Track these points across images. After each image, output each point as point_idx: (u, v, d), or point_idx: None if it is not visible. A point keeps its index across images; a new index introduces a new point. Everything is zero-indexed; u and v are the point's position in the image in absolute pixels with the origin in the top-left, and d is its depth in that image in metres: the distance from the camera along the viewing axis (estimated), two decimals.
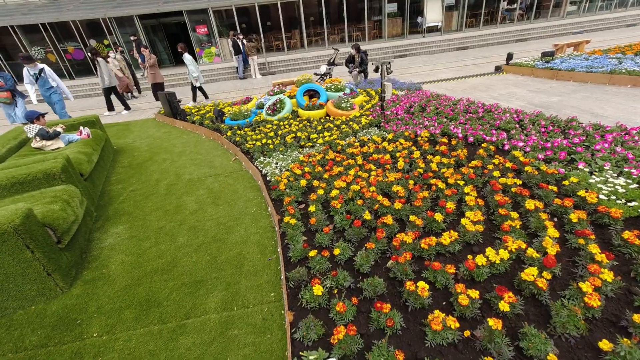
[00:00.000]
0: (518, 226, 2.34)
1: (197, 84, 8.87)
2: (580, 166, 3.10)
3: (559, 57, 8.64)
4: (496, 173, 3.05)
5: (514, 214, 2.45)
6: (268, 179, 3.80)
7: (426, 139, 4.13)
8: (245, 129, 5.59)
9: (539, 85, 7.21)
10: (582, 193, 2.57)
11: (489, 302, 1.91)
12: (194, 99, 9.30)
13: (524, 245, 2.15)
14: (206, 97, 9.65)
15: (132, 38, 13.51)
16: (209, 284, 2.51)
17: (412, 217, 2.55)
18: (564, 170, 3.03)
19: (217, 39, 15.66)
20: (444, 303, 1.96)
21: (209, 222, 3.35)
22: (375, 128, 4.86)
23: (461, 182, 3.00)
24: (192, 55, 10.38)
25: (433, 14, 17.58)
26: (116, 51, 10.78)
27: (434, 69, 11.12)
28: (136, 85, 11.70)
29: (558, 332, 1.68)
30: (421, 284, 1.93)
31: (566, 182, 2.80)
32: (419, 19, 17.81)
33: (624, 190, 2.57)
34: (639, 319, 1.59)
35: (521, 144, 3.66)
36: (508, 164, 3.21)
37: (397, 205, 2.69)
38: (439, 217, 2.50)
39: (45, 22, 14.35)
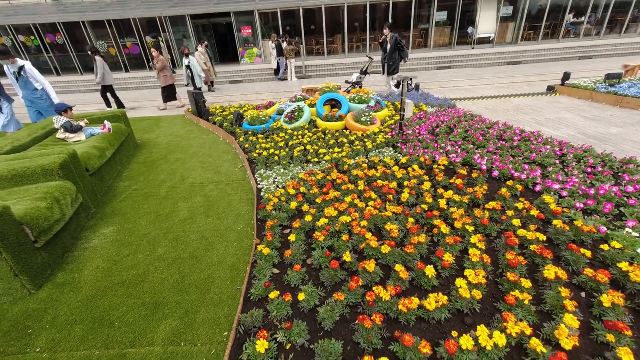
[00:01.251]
0: (527, 301, 1.85)
1: (201, 84, 9.34)
2: (629, 225, 2.46)
3: (627, 80, 7.44)
4: (516, 221, 2.54)
5: (526, 282, 1.96)
6: (262, 194, 3.59)
7: (443, 167, 3.65)
8: (259, 135, 5.47)
9: (597, 112, 6.23)
10: (624, 265, 2.00)
11: None
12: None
13: (528, 331, 1.68)
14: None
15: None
16: (167, 307, 2.34)
17: (397, 267, 2.16)
18: (606, 229, 2.42)
19: (260, 40, 16.02)
20: None
21: (193, 235, 3.21)
22: (391, 148, 4.44)
23: (470, 228, 2.53)
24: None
25: (486, 25, 16.40)
26: (202, 45, 11.38)
27: (477, 83, 10.25)
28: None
29: None
30: None
31: (605, 247, 2.22)
32: (470, 29, 16.73)
33: None
34: None
35: (557, 186, 3.06)
36: (534, 212, 2.66)
37: (385, 248, 2.32)
38: (430, 271, 2.09)
39: (111, 19, 15.70)
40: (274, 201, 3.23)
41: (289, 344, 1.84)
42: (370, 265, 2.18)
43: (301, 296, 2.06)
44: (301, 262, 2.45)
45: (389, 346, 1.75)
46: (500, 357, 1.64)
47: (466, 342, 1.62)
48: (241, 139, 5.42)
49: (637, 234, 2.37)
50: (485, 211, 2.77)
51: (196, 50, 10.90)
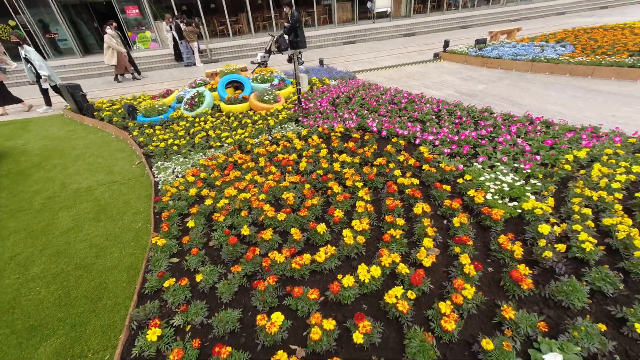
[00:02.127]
0: (399, 235, 2.15)
1: (47, 85, 7.06)
2: (480, 160, 3.02)
3: (491, 44, 8.84)
4: (397, 172, 2.88)
5: (400, 220, 2.27)
6: (159, 187, 3.34)
7: (340, 134, 3.89)
8: (157, 127, 4.99)
9: (470, 73, 7.30)
10: (472, 192, 2.46)
11: (349, 331, 1.70)
12: (48, 103, 7.53)
13: (398, 259, 1.97)
14: (49, 103, 7.52)
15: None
16: (48, 328, 2.07)
17: (292, 230, 2.27)
18: (463, 166, 2.93)
19: (152, 22, 14.25)
20: (305, 334, 1.72)
21: (81, 244, 2.85)
22: (294, 123, 4.53)
23: (360, 184, 2.78)
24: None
25: (382, 0, 17.40)
26: (110, 27, 9.29)
27: (378, 56, 10.96)
28: (133, 66, 10.50)
29: None
30: (275, 316, 1.66)
31: (460, 180, 2.69)
32: (369, 4, 17.56)
33: (510, 188, 2.49)
34: (487, 344, 1.45)
35: (431, 137, 3.54)
36: (411, 161, 3.05)
37: (281, 216, 2.41)
38: (321, 228, 2.25)
39: None
40: (171, 192, 3.04)
41: (189, 325, 1.82)
42: (267, 234, 2.25)
43: (199, 277, 2.02)
44: (201, 246, 2.40)
45: (283, 302, 1.87)
46: (378, 287, 1.90)
47: (347, 280, 1.82)
48: (135, 132, 4.88)
49: (481, 167, 2.92)
50: (374, 167, 3.07)
51: (105, 33, 9.05)
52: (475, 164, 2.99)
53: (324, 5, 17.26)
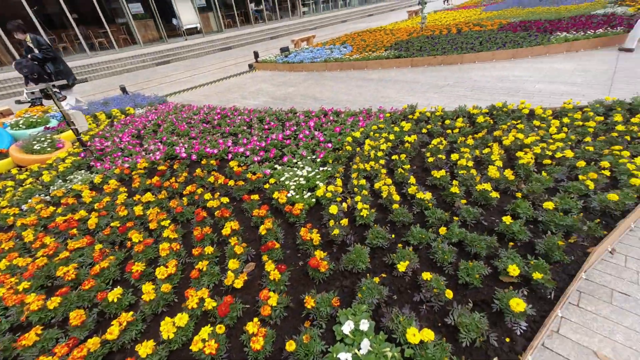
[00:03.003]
0: (205, 268, 2.00)
1: None
2: (285, 160, 3.23)
3: (295, 51, 9.95)
4: (207, 195, 2.71)
5: (208, 249, 2.12)
6: None
7: (144, 170, 3.39)
8: None
9: (281, 79, 7.96)
10: (275, 195, 2.57)
11: None
12: None
13: (206, 294, 1.81)
14: None
15: None
16: None
17: (72, 315, 1.75)
18: (270, 171, 3.05)
19: None
20: None
21: None
22: (84, 171, 3.66)
23: (166, 222, 2.46)
24: None
25: (187, 15, 16.77)
26: None
27: (196, 73, 10.51)
28: None
29: None
30: None
31: (267, 186, 2.79)
32: (175, 21, 16.61)
33: (306, 180, 2.76)
34: (289, 346, 1.49)
35: (242, 149, 3.56)
36: (221, 179, 2.96)
37: (53, 301, 1.82)
38: (114, 294, 1.83)
39: None
40: None
41: None
42: (31, 336, 1.65)
43: None
44: None
45: None
46: (188, 335, 1.68)
47: (145, 349, 1.53)
48: None
49: (282, 167, 3.12)
50: (184, 198, 2.81)
51: None
52: (277, 167, 3.17)
53: (119, 24, 15.15)
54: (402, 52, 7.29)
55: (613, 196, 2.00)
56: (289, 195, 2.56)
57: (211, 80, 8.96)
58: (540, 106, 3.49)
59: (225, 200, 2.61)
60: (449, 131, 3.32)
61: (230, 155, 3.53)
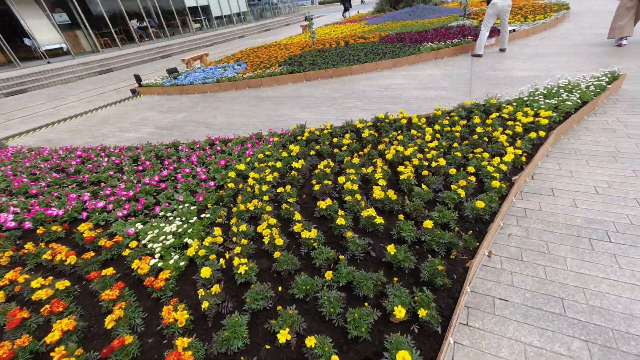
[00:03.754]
0: None
1: None
2: (157, 211, 2.66)
3: (185, 71, 9.10)
4: (35, 283, 1.99)
5: None
6: None
7: None
8: None
9: (171, 104, 7.10)
10: (135, 264, 2.02)
11: None
12: None
13: None
14: None
15: None
16: None
17: None
18: (134, 230, 2.45)
19: None
20: None
21: None
22: None
23: None
24: None
25: (45, 34, 14.08)
26: None
27: (62, 104, 8.71)
28: None
29: None
30: None
31: (126, 252, 2.21)
32: (28, 41, 13.74)
33: (177, 237, 2.28)
34: None
35: (102, 203, 2.84)
36: (60, 256, 2.23)
37: None
38: None
39: None
40: None
41: None
42: None
43: None
44: None
45: None
46: None
47: None
48: None
49: (153, 220, 2.57)
50: (0, 292, 2.01)
51: None
52: (147, 221, 2.61)
53: None
54: (295, 67, 7.28)
55: (480, 203, 2.09)
56: (153, 262, 2.04)
57: (83, 110, 7.50)
58: (416, 114, 3.71)
59: (63, 285, 1.94)
60: (336, 150, 3.24)
61: (85, 214, 2.77)
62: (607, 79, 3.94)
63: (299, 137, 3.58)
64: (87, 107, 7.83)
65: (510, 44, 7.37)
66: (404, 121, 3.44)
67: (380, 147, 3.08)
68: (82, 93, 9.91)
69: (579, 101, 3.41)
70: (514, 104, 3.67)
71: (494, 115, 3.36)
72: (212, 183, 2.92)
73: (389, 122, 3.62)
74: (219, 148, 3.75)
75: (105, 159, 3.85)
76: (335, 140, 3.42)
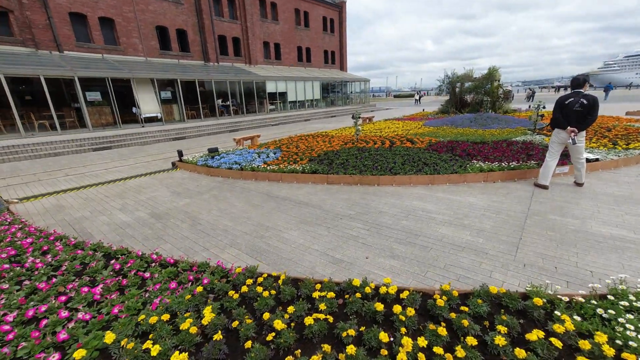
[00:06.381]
0: None
1: None
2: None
3: (223, 152, 9.47)
4: None
5: None
6: None
7: None
8: None
9: (190, 184, 7.08)
10: None
11: None
12: None
13: None
14: None
15: None
16: None
17: None
18: None
19: None
20: None
21: None
22: None
23: None
24: None
25: (149, 106, 17.11)
26: None
27: (120, 165, 9.66)
28: None
29: None
30: None
31: None
32: (134, 109, 16.78)
33: None
34: None
35: None
36: None
37: None
38: None
39: None
40: None
41: None
42: None
43: None
44: None
45: None
46: None
47: None
48: None
49: None
50: None
51: None
52: None
53: (75, 108, 15.03)
54: (321, 167, 6.77)
55: None
56: None
57: (121, 177, 8.01)
58: (407, 292, 2.49)
59: None
60: (270, 336, 2.17)
61: None
62: None
63: (232, 294, 2.62)
64: (127, 174, 8.39)
65: (592, 177, 5.77)
66: (380, 307, 2.23)
67: (325, 347, 1.93)
68: (144, 156, 11.04)
69: None
70: (582, 311, 2.21)
71: (534, 335, 1.95)
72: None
73: (362, 296, 2.47)
74: (147, 275, 3.00)
75: (49, 256, 3.44)
76: (280, 308, 2.37)
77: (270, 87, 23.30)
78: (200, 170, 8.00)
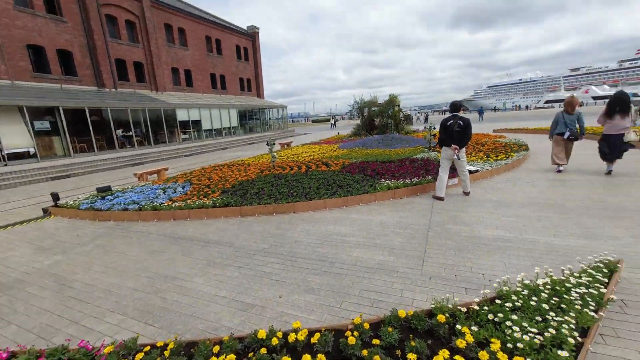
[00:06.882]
0: None
1: None
2: None
3: (117, 190, 8.12)
4: None
5: None
6: None
7: None
8: None
9: (64, 236, 5.66)
10: None
11: None
12: None
13: None
14: None
15: None
16: None
17: None
18: None
19: None
20: None
21: None
22: None
23: None
24: None
25: (15, 139, 13.91)
26: None
27: None
28: None
29: None
30: None
31: None
32: None
33: None
34: None
35: None
36: None
37: None
38: None
39: None
40: None
41: None
42: None
43: None
44: None
45: None
46: None
47: None
48: None
49: None
50: None
51: None
52: None
53: None
54: (233, 199, 6.29)
55: None
56: None
57: None
58: (318, 335, 2.26)
59: None
60: None
61: None
62: (602, 273, 2.74)
63: None
64: None
65: (475, 185, 6.71)
66: None
67: None
68: (7, 203, 8.67)
69: (576, 333, 2.06)
70: (478, 319, 2.30)
71: (440, 357, 1.91)
72: None
73: (268, 350, 2.14)
74: None
75: None
76: None
77: (182, 115, 21.70)
78: (84, 216, 6.59)
